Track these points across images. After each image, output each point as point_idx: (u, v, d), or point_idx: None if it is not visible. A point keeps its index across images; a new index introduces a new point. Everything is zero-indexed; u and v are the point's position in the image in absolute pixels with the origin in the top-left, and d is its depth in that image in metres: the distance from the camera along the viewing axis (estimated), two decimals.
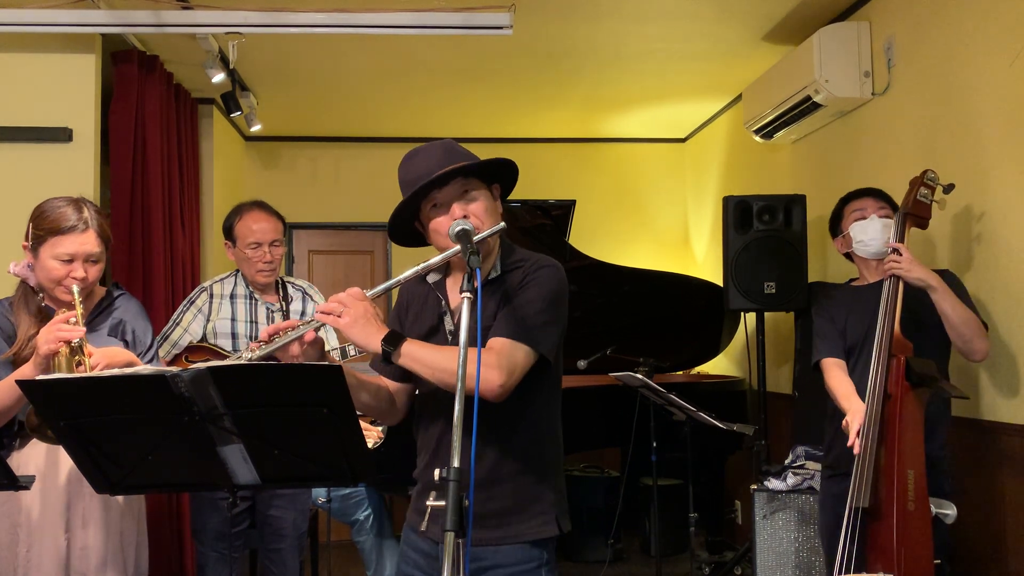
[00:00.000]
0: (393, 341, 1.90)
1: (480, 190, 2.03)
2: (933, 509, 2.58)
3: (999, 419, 3.13)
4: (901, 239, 2.83)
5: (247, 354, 1.90)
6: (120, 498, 2.54)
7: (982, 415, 3.21)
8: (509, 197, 2.17)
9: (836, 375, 2.90)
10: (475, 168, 2.02)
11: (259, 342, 1.91)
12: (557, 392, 2.09)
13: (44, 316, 2.51)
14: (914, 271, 2.75)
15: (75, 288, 2.43)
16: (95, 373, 2.22)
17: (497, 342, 1.91)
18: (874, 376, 2.66)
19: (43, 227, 2.48)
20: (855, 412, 2.68)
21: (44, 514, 2.47)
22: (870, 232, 2.94)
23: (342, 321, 1.90)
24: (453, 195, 2.00)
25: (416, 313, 2.13)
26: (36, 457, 2.49)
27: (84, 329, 2.36)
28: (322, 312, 1.91)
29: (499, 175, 2.09)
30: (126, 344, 2.62)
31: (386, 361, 1.92)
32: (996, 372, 3.15)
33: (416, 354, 1.91)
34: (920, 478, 2.55)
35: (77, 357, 2.34)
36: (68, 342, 2.32)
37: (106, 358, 2.41)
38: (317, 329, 1.92)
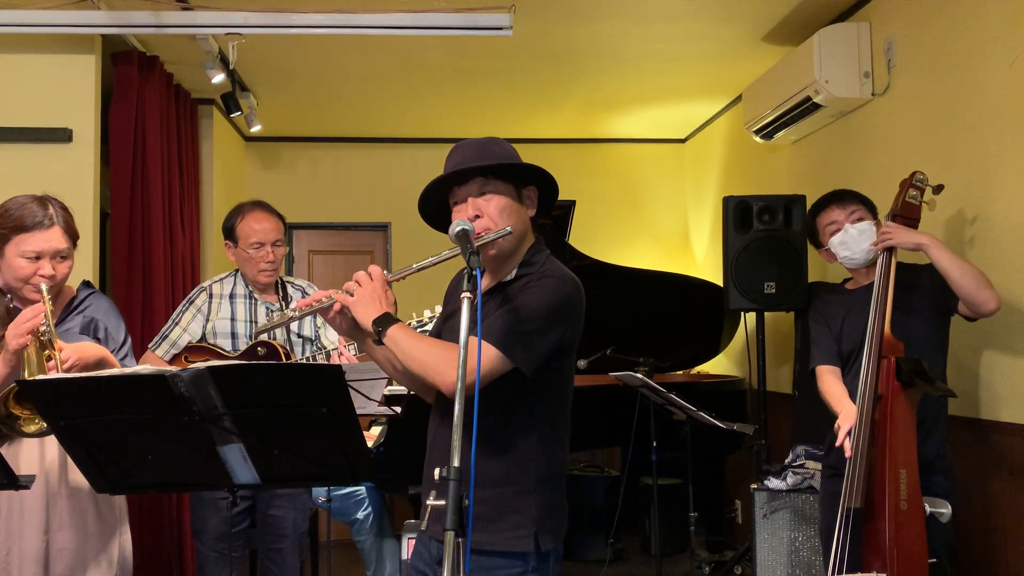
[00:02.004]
0: (383, 323, 1.91)
1: (499, 190, 2.00)
2: (928, 508, 2.58)
3: (997, 418, 3.13)
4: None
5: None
6: (98, 498, 2.52)
7: (980, 414, 3.21)
8: None
9: (829, 381, 2.91)
10: (490, 169, 2.00)
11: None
12: (553, 409, 2.03)
13: (12, 316, 2.46)
14: (905, 236, 2.76)
15: (43, 286, 2.40)
16: (96, 373, 2.21)
17: (472, 343, 1.88)
18: (865, 377, 2.66)
19: (7, 225, 2.44)
20: (846, 415, 2.69)
21: (23, 516, 2.46)
22: (851, 246, 2.91)
23: (350, 300, 1.95)
24: (470, 192, 2.00)
25: (456, 298, 2.16)
26: (13, 458, 2.46)
27: (47, 309, 2.33)
28: (344, 290, 1.97)
29: (533, 178, 2.07)
30: (98, 342, 2.59)
31: (377, 342, 1.93)
32: (992, 371, 3.15)
33: (398, 339, 1.92)
34: (912, 477, 2.56)
35: (47, 352, 2.32)
36: (35, 332, 2.29)
37: (77, 352, 2.39)
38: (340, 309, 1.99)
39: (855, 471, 2.59)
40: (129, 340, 2.70)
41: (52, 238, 2.45)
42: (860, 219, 2.93)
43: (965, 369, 3.19)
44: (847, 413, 2.69)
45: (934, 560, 2.55)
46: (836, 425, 2.70)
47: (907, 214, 2.87)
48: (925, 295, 2.83)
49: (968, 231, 3.26)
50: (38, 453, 2.49)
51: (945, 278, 2.74)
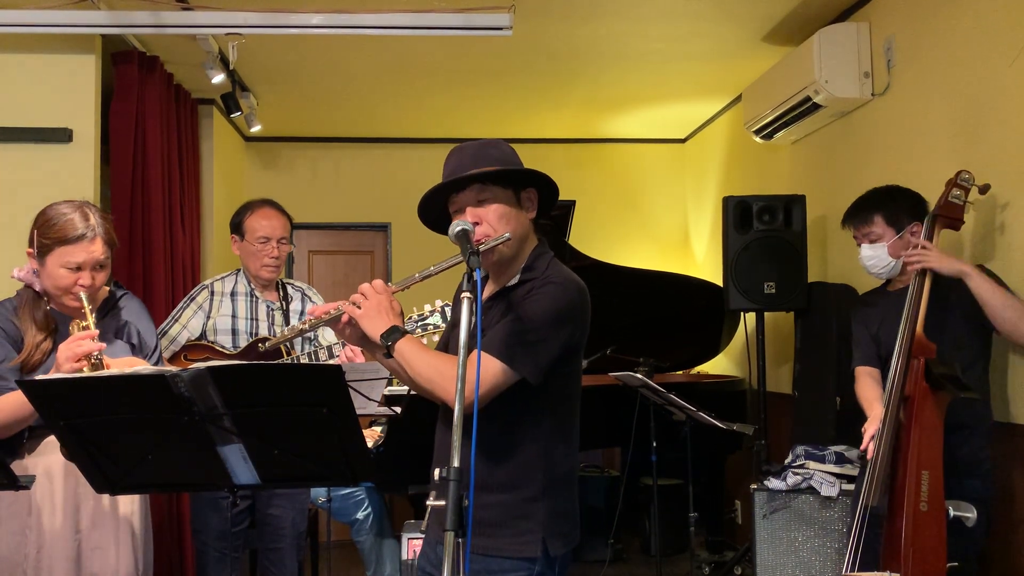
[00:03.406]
0: (391, 336, 1.91)
1: (497, 196, 2.00)
2: (952, 512, 2.55)
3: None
4: (930, 240, 2.79)
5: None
6: (132, 498, 2.55)
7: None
8: None
9: (865, 383, 2.91)
10: (487, 175, 1.99)
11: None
12: (560, 413, 2.03)
13: (50, 322, 2.50)
14: (945, 262, 2.71)
15: (83, 295, 2.42)
16: (95, 373, 2.22)
17: (473, 356, 1.87)
18: (893, 377, 2.65)
19: (50, 236, 2.45)
20: (873, 418, 2.70)
21: (55, 515, 2.47)
22: (867, 263, 2.96)
23: (357, 312, 1.94)
24: (468, 200, 2.00)
25: (459, 305, 2.15)
26: (49, 457, 2.47)
27: (103, 344, 2.36)
28: (351, 302, 1.97)
29: (531, 181, 2.06)
30: (132, 348, 2.61)
31: (387, 355, 1.93)
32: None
33: (406, 353, 1.92)
34: (936, 479, 2.53)
35: (98, 372, 2.33)
36: (88, 356, 2.31)
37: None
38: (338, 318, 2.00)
39: (874, 470, 2.59)
40: (160, 345, 2.73)
41: (94, 250, 2.46)
42: (876, 239, 2.92)
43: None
44: (874, 417, 2.69)
45: (955, 564, 2.53)
46: (863, 428, 2.70)
47: (949, 214, 2.82)
48: (966, 296, 2.77)
49: (978, 227, 3.25)
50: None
51: (985, 309, 2.69)
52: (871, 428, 2.66)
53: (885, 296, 3.01)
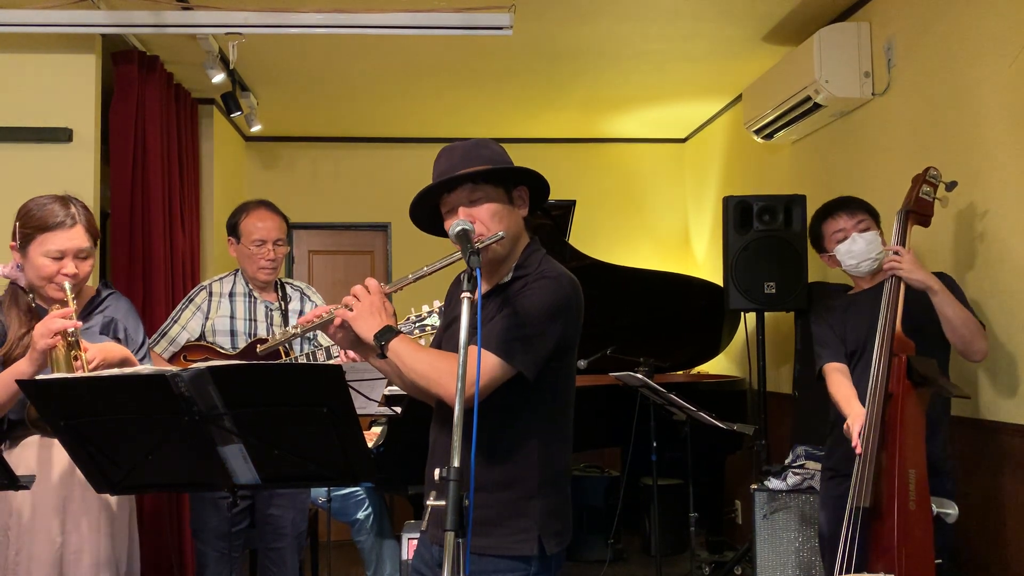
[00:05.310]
0: (384, 336, 1.91)
1: (489, 195, 2.00)
2: (935, 509, 2.58)
3: (999, 419, 3.13)
4: (903, 237, 2.80)
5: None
6: (112, 499, 2.53)
7: (981, 415, 3.20)
8: None
9: (837, 380, 2.90)
10: (478, 175, 1.99)
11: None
12: (554, 410, 2.03)
13: (34, 316, 2.49)
14: (915, 273, 2.72)
15: (67, 285, 2.42)
16: (95, 373, 2.22)
17: (472, 352, 1.87)
18: (875, 376, 2.66)
19: (30, 225, 2.46)
20: (855, 416, 2.69)
21: (36, 516, 2.46)
22: (856, 254, 2.93)
23: (350, 315, 1.94)
24: (460, 200, 2.00)
25: (453, 305, 2.16)
26: (28, 459, 2.47)
27: (79, 323, 2.35)
28: (344, 304, 1.97)
29: (522, 178, 2.06)
30: (118, 342, 2.60)
31: (380, 355, 1.93)
32: (995, 371, 3.15)
33: (400, 352, 1.92)
34: (921, 478, 2.55)
35: (74, 352, 2.33)
36: (64, 333, 2.31)
37: (102, 353, 2.41)
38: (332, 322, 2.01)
39: (863, 471, 2.59)
40: (147, 341, 2.72)
41: (75, 237, 2.46)
42: (866, 229, 2.94)
43: (965, 369, 3.18)
44: (856, 415, 2.69)
45: (940, 561, 2.55)
46: (845, 427, 2.71)
47: (920, 210, 2.84)
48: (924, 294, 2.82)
49: (976, 227, 3.26)
50: (51, 453, 2.49)
51: (944, 324, 2.74)
52: (856, 425, 2.67)
53: (848, 299, 3.03)
